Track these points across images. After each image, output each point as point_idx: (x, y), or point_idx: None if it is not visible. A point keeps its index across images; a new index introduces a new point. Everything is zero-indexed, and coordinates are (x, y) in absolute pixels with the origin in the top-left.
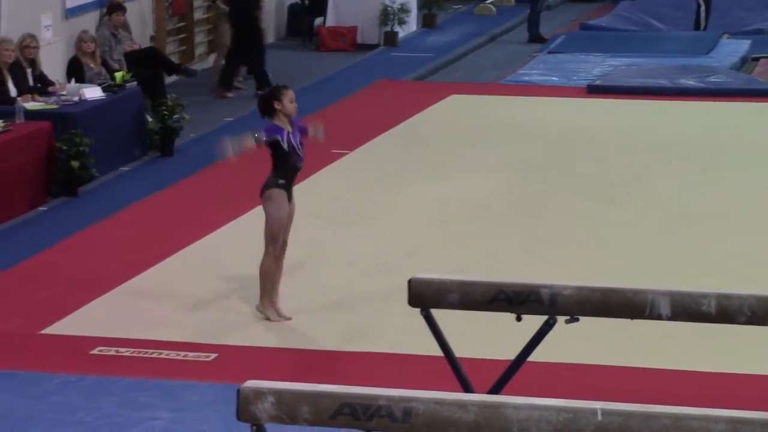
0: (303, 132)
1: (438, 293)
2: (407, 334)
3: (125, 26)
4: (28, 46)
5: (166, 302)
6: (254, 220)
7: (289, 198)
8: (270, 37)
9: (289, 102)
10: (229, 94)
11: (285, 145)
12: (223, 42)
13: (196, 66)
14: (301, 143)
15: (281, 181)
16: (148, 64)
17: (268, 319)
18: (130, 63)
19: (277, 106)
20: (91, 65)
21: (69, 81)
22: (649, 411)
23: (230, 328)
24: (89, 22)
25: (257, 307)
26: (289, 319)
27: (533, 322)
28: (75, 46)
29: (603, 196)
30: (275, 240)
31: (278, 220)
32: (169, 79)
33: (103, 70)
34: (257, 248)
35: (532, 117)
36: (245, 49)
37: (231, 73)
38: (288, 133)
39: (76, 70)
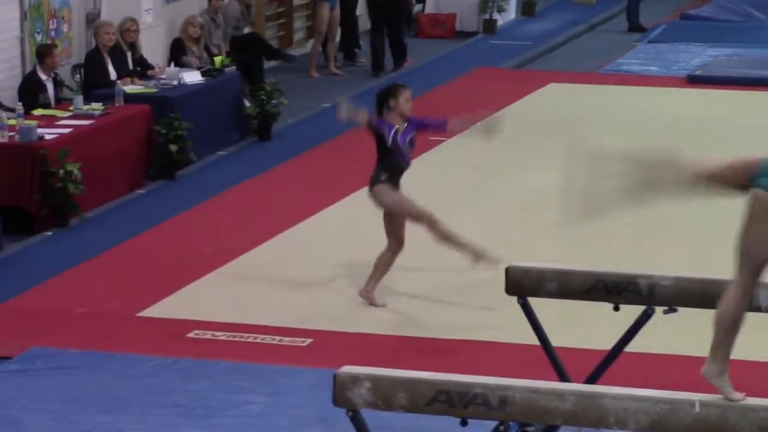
0: (423, 127)
1: (535, 282)
2: (504, 323)
3: (244, 12)
4: (128, 29)
5: (263, 286)
6: (353, 204)
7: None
8: (367, 23)
9: (405, 101)
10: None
11: (389, 142)
12: (321, 27)
13: (294, 51)
14: (412, 142)
15: (384, 176)
16: (248, 50)
17: (368, 300)
18: (231, 48)
19: (392, 103)
20: (194, 49)
21: (170, 63)
22: (748, 404)
23: (326, 313)
24: (190, 6)
25: (360, 292)
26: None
27: (631, 312)
28: (181, 29)
29: None
30: (419, 214)
31: (398, 203)
32: (268, 64)
33: (204, 55)
34: (353, 233)
35: (631, 106)
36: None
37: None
38: (397, 131)
39: (178, 52)
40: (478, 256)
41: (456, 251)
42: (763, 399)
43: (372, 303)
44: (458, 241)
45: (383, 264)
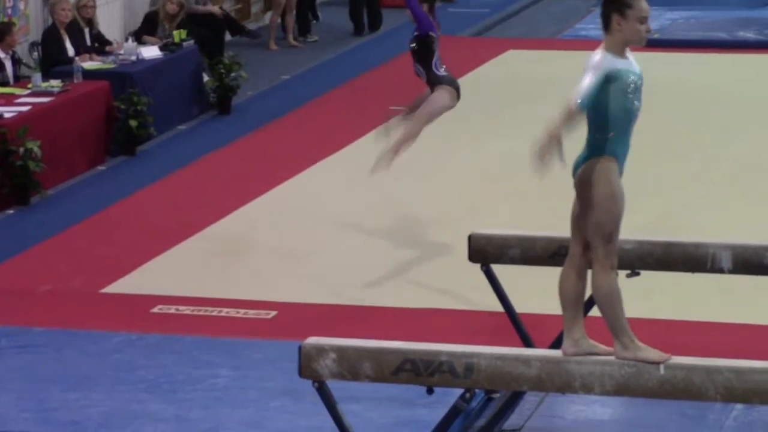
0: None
1: (498, 248)
2: (468, 290)
3: None
4: (85, 5)
5: (226, 260)
6: (313, 176)
7: None
8: None
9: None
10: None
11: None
12: (279, 0)
13: (252, 24)
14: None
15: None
16: (210, 25)
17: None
18: (193, 22)
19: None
20: (165, 25)
21: (139, 36)
22: (712, 365)
23: (289, 285)
24: None
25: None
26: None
27: None
28: (155, 3)
29: (663, 150)
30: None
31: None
32: (226, 38)
33: (171, 35)
34: (315, 205)
35: None
36: None
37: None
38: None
39: (149, 26)
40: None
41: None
42: (727, 359)
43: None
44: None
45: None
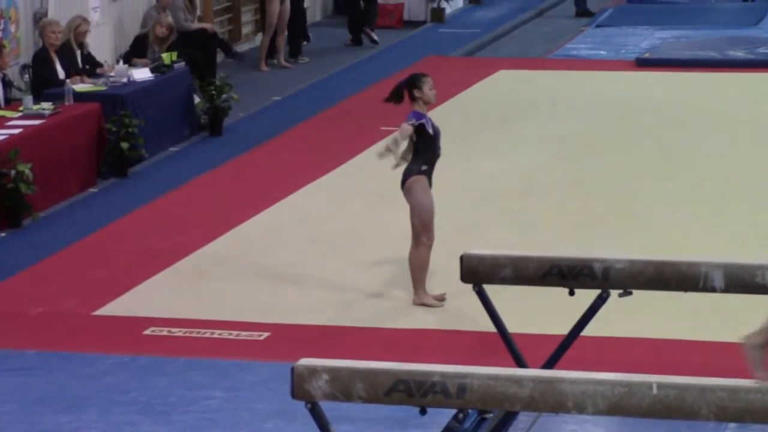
0: None
1: (491, 269)
2: (460, 311)
3: (187, 5)
4: (79, 26)
5: (218, 282)
6: (305, 197)
7: (430, 185)
8: (317, 15)
9: (428, 89)
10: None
11: (431, 130)
12: (271, 21)
13: (243, 45)
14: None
15: (424, 167)
16: (201, 47)
17: (427, 305)
18: (184, 44)
19: (417, 93)
20: (156, 49)
21: (128, 58)
22: (705, 384)
23: (282, 306)
24: (136, 4)
25: (414, 301)
26: (444, 300)
27: (586, 296)
28: (149, 26)
29: (656, 170)
30: (428, 229)
31: (426, 208)
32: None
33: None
34: (307, 226)
35: (581, 91)
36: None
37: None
38: (428, 119)
39: (139, 48)
40: (427, 297)
41: (415, 282)
42: (720, 378)
43: (438, 300)
44: (413, 279)
45: (423, 265)
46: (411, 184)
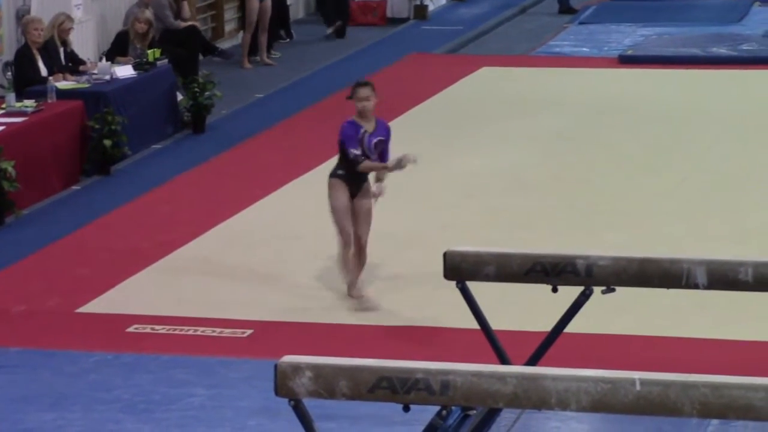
0: (386, 136)
1: (473, 265)
2: (443, 308)
3: (172, 3)
4: (63, 24)
5: (201, 279)
6: (288, 194)
7: (354, 192)
8: (300, 13)
9: (357, 101)
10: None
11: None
12: (251, 18)
13: (226, 43)
14: (376, 146)
15: (340, 172)
16: (184, 44)
17: (359, 301)
18: (168, 41)
19: (354, 102)
20: (138, 46)
21: (111, 56)
22: (688, 380)
23: (264, 303)
24: (119, 1)
25: (354, 294)
26: (361, 296)
27: (569, 293)
28: (126, 23)
29: (638, 167)
30: (340, 230)
31: (336, 210)
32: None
33: (145, 52)
34: (289, 224)
35: (564, 88)
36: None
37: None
38: (365, 132)
39: (120, 46)
40: (352, 290)
41: (342, 275)
42: (703, 375)
43: (366, 304)
44: (350, 271)
45: (341, 262)
46: (327, 186)
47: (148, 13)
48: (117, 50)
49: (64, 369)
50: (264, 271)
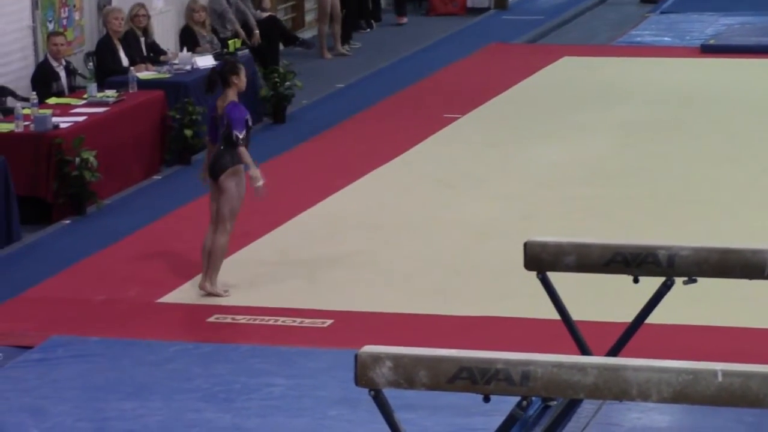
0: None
1: (554, 256)
2: (523, 298)
3: None
4: (137, 15)
5: (281, 269)
6: (369, 184)
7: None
8: (381, 3)
9: (244, 77)
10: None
11: (250, 122)
12: (324, 9)
13: (306, 33)
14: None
15: (237, 159)
16: (265, 34)
17: (214, 294)
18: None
19: (235, 80)
20: (203, 33)
21: (182, 50)
22: None
23: (345, 293)
24: None
25: (205, 287)
26: (227, 291)
27: (651, 283)
28: (186, 16)
29: (720, 157)
30: (235, 218)
31: (241, 199)
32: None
33: (215, 38)
34: (371, 213)
35: (646, 78)
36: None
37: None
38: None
39: (188, 39)
40: (205, 285)
41: (211, 267)
42: None
43: (220, 293)
44: (212, 265)
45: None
46: (229, 174)
47: (201, 1)
48: (186, 46)
49: (145, 358)
50: (344, 261)
